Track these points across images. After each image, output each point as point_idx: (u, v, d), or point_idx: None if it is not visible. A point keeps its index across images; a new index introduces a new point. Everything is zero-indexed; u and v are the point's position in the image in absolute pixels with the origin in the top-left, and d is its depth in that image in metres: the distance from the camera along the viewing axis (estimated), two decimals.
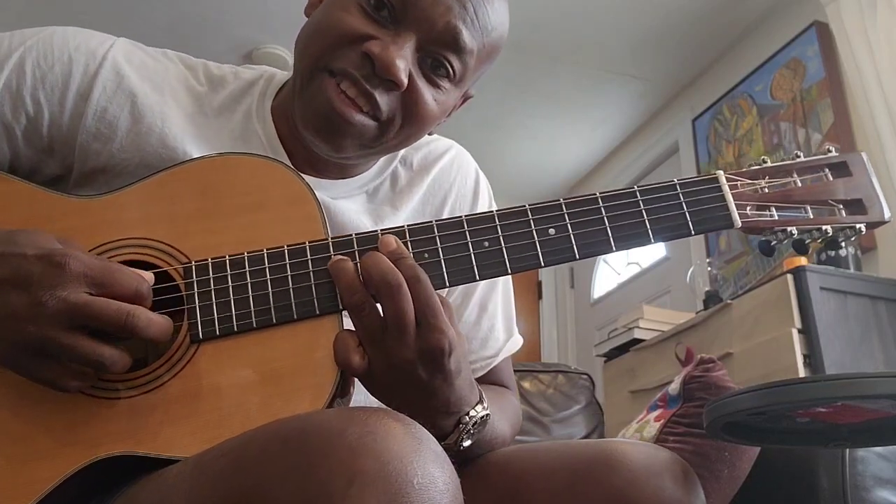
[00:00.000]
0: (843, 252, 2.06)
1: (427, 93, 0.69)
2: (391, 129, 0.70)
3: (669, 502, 0.64)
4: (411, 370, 0.58)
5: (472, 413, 0.64)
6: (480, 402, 0.66)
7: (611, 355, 2.61)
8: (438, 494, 0.44)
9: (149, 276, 0.59)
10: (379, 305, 0.59)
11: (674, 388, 1.28)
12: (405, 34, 0.66)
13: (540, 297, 4.43)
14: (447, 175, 0.87)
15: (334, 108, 0.67)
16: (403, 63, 0.66)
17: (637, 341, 2.46)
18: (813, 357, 1.78)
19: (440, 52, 0.68)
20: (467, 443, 0.66)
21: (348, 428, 0.44)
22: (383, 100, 0.67)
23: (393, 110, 0.69)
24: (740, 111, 2.96)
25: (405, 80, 0.67)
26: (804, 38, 2.66)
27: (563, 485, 0.66)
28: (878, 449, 1.05)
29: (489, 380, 0.87)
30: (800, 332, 1.81)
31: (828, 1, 2.46)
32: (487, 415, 0.67)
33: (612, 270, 4.00)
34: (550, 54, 3.13)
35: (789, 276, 1.87)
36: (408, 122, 0.71)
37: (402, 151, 0.84)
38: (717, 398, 0.83)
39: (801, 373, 1.76)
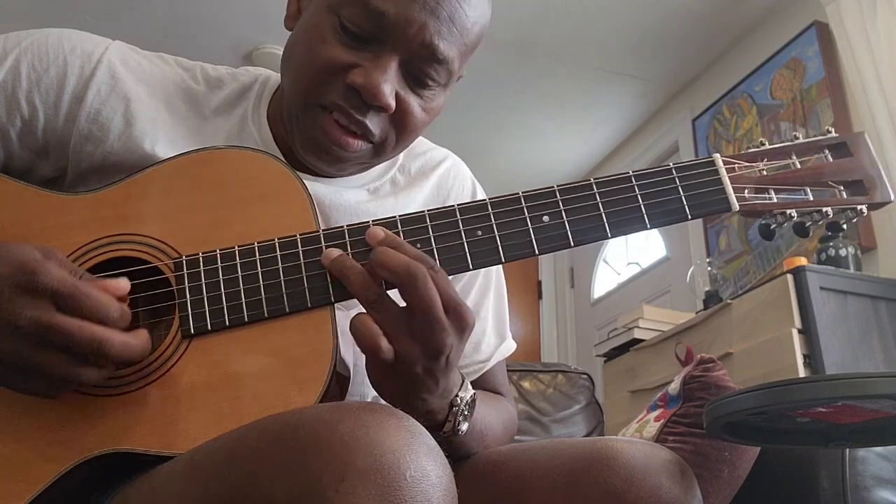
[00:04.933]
0: (842, 252, 2.06)
1: (415, 105, 0.70)
2: (387, 146, 0.72)
3: (667, 501, 0.64)
4: (439, 354, 0.58)
5: (462, 395, 0.65)
6: (464, 385, 0.67)
7: (611, 355, 2.61)
8: (431, 487, 0.44)
9: (125, 284, 0.58)
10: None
11: (674, 387, 1.28)
12: (386, 55, 0.67)
13: (540, 297, 4.43)
14: (445, 182, 0.88)
15: (332, 140, 0.69)
16: (389, 87, 0.66)
17: (637, 341, 2.45)
18: (813, 357, 1.78)
19: (422, 67, 0.69)
20: (465, 426, 0.66)
21: (341, 422, 0.44)
22: (374, 123, 0.69)
23: (385, 131, 0.70)
24: (740, 111, 2.96)
25: (393, 104, 0.67)
26: (804, 38, 2.66)
27: (559, 484, 0.66)
28: (878, 449, 1.05)
29: (482, 385, 0.87)
30: (800, 332, 1.81)
31: (828, 1, 2.46)
32: (475, 394, 0.68)
33: (612, 270, 4.00)
34: (550, 54, 3.12)
35: (789, 276, 1.87)
36: (402, 136, 0.72)
37: (399, 160, 0.85)
38: (717, 398, 0.83)
39: (801, 373, 1.76)
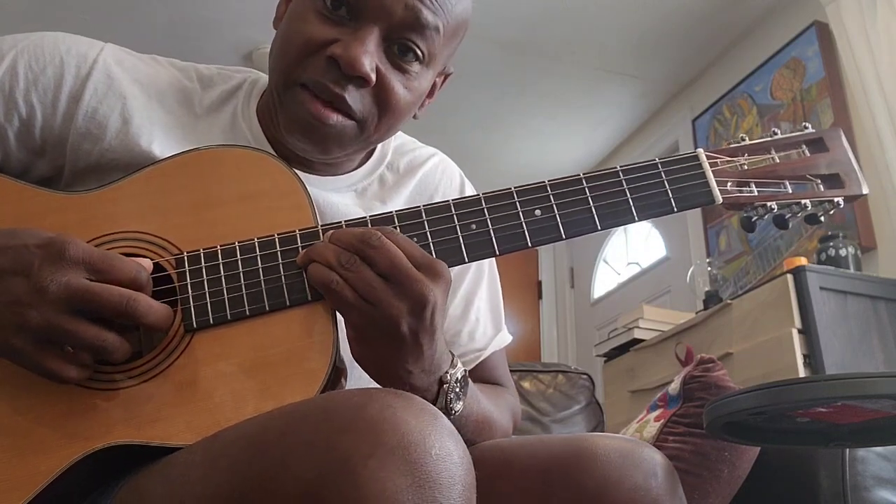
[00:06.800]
0: (842, 252, 2.06)
1: (397, 82, 0.70)
2: (370, 125, 0.72)
3: (645, 502, 0.63)
4: (423, 307, 0.59)
5: (451, 372, 0.66)
6: (453, 363, 0.67)
7: (611, 355, 2.61)
8: (454, 466, 0.45)
9: (147, 263, 0.60)
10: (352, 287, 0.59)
11: (674, 388, 1.28)
12: (366, 28, 0.67)
13: (540, 297, 4.43)
14: (432, 177, 0.89)
15: (312, 115, 0.68)
16: (368, 59, 0.67)
17: (637, 341, 2.46)
18: (813, 357, 1.78)
19: (404, 37, 0.69)
20: (458, 405, 0.67)
21: (368, 404, 0.46)
22: (354, 99, 0.69)
23: (367, 107, 0.70)
24: (740, 111, 2.96)
25: (372, 75, 0.68)
26: (804, 38, 2.66)
27: (533, 486, 0.66)
28: (878, 449, 1.05)
29: (482, 376, 0.88)
30: (800, 332, 1.81)
31: (828, 1, 2.46)
32: (465, 371, 0.68)
33: (612, 270, 4.00)
34: (550, 54, 3.12)
35: (789, 276, 1.87)
36: (384, 115, 0.72)
37: (388, 157, 0.86)
38: (717, 398, 0.83)
39: (801, 373, 1.76)
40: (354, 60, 0.66)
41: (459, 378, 0.67)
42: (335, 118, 0.69)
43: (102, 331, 0.55)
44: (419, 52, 0.70)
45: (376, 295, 0.58)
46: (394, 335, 0.59)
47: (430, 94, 0.79)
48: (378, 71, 0.68)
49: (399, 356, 0.60)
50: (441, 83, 0.81)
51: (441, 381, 0.65)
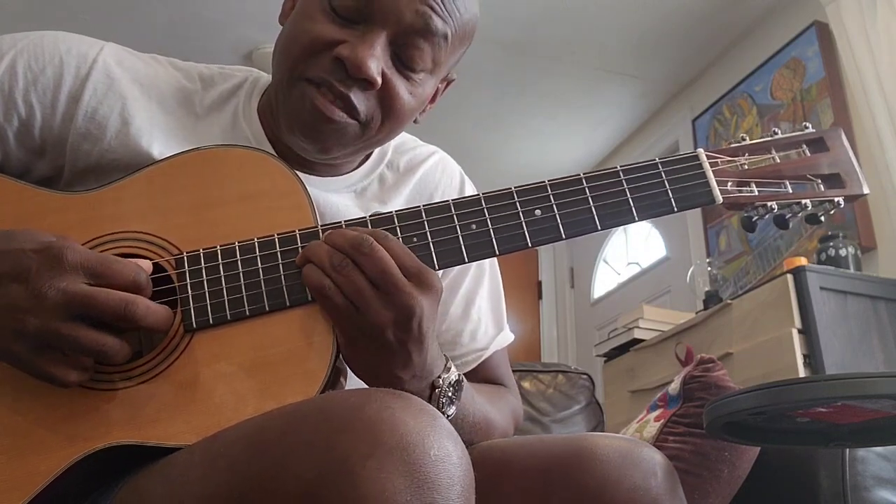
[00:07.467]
0: (842, 252, 2.06)
1: (402, 87, 0.70)
2: (372, 127, 0.72)
3: (644, 502, 0.63)
4: (409, 318, 0.59)
5: (444, 376, 0.66)
6: (447, 367, 0.67)
7: (611, 355, 2.61)
8: (452, 467, 0.45)
9: (146, 265, 0.60)
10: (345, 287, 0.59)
11: (674, 388, 1.28)
12: (374, 31, 0.67)
13: (540, 297, 4.43)
14: (432, 176, 0.88)
15: (317, 110, 0.68)
16: (374, 62, 0.66)
17: (637, 341, 2.46)
18: (813, 357, 1.78)
19: (412, 43, 0.69)
20: (451, 409, 0.67)
21: (367, 404, 0.46)
22: (359, 100, 0.68)
23: (371, 109, 0.70)
24: (740, 111, 2.96)
25: (378, 79, 0.67)
26: (804, 38, 2.66)
27: (534, 485, 0.66)
28: (878, 449, 1.05)
29: (484, 376, 0.88)
30: (800, 332, 1.81)
31: (828, 1, 2.46)
32: (460, 375, 0.68)
33: (612, 270, 4.00)
34: (550, 54, 3.12)
35: (789, 276, 1.87)
36: (387, 118, 0.72)
37: (388, 156, 0.85)
38: (717, 398, 0.83)
39: (801, 373, 1.76)
40: (361, 63, 0.66)
41: (453, 382, 0.67)
42: (339, 115, 0.68)
43: (101, 335, 0.55)
44: (425, 60, 0.70)
45: (364, 301, 0.58)
46: (381, 342, 0.59)
47: (432, 99, 0.79)
48: (384, 75, 0.68)
49: (387, 363, 0.61)
50: (443, 89, 0.81)
51: (433, 386, 0.65)
